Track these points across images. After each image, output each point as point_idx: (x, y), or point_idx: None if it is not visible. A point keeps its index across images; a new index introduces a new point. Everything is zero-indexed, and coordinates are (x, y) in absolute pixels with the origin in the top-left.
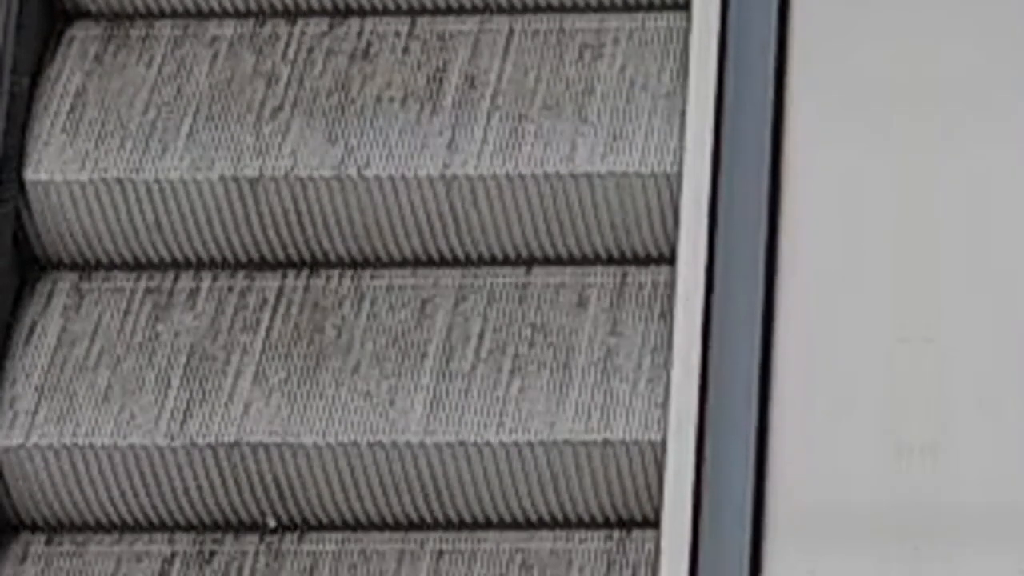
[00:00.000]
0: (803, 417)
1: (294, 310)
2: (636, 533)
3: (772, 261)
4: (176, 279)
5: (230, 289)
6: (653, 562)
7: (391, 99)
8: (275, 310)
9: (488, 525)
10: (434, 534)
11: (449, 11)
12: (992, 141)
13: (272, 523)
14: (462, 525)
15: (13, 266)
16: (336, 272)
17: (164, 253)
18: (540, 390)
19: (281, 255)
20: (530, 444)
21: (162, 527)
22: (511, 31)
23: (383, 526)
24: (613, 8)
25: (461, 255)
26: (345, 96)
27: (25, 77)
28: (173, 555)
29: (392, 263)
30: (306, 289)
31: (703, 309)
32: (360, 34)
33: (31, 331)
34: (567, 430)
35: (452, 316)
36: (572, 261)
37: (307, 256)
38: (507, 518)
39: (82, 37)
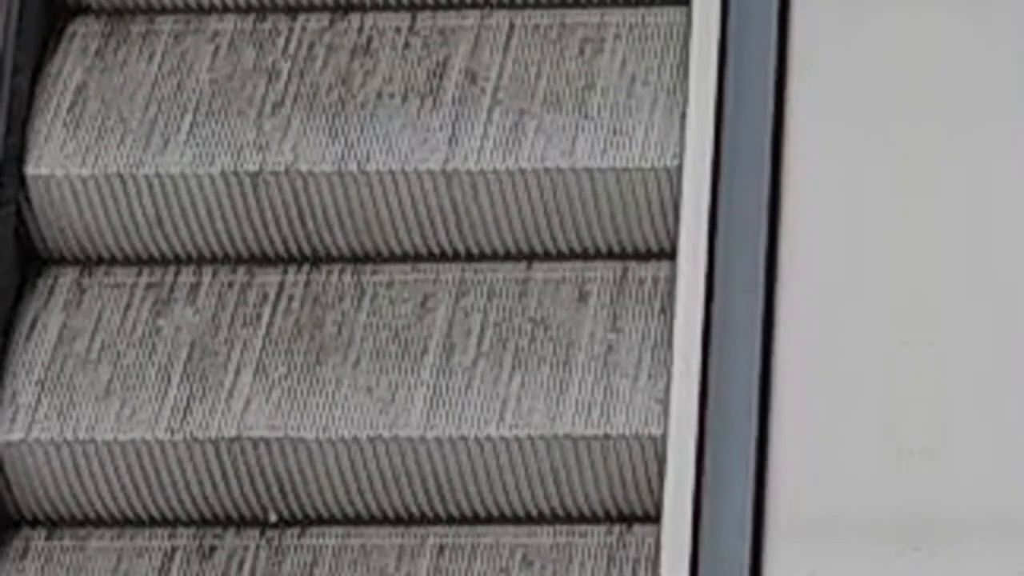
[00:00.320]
0: (803, 418)
1: (295, 305)
2: (637, 528)
3: (773, 256)
4: (177, 274)
5: (231, 284)
6: (654, 557)
7: (392, 94)
8: (276, 305)
9: (489, 520)
10: (435, 529)
11: (450, 6)
12: (992, 147)
13: (273, 518)
14: (463, 520)
15: (14, 261)
16: (337, 267)
17: (165, 248)
18: (541, 385)
19: (282, 250)
20: (531, 439)
21: (163, 522)
22: (512, 26)
23: (384, 521)
24: (614, 3)
25: (462, 250)
26: (346, 91)
27: (25, 78)
28: (174, 550)
29: (393, 258)
30: (307, 284)
31: (703, 304)
32: (361, 29)
33: (32, 326)
34: (568, 425)
35: (453, 311)
36: (573, 256)
37: (308, 251)
38: (508, 513)
39: (83, 33)
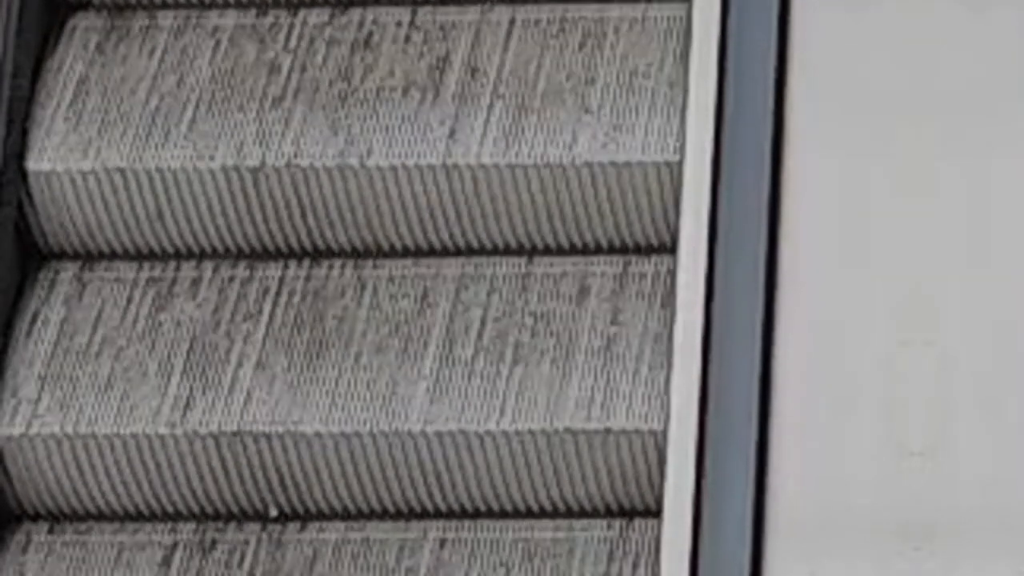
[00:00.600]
0: (804, 418)
1: (296, 299)
2: (638, 522)
3: (773, 251)
4: (178, 268)
5: (232, 278)
6: (654, 551)
7: (393, 89)
8: (277, 299)
9: (490, 514)
10: (436, 523)
11: (450, 1)
12: (992, 147)
13: (274, 512)
14: (464, 514)
15: (15, 256)
16: (338, 261)
17: (166, 242)
18: (541, 379)
19: (283, 244)
20: (531, 433)
21: (164, 516)
22: (512, 21)
23: (385, 515)
24: None
25: (462, 244)
26: (347, 86)
27: (25, 78)
28: (175, 544)
29: (393, 252)
30: (307, 278)
31: (704, 299)
32: (362, 24)
33: (33, 320)
34: (568, 419)
35: (453, 305)
36: (573, 250)
37: (309, 245)
38: (508, 507)
39: (84, 27)
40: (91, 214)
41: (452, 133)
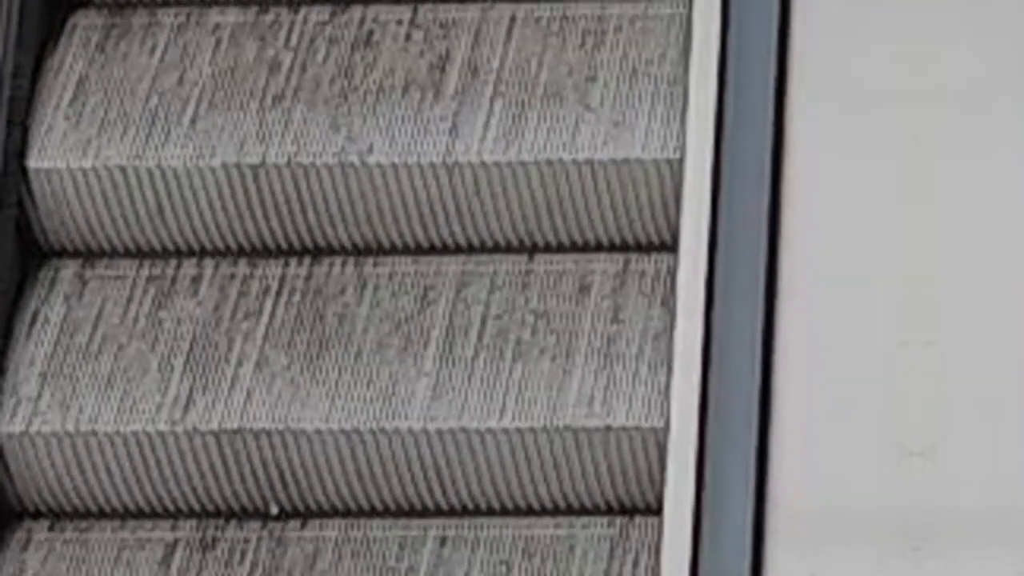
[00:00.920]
0: (804, 418)
1: (296, 297)
2: (638, 519)
3: (774, 250)
4: (178, 266)
5: (232, 276)
6: (655, 549)
7: (393, 87)
8: (277, 297)
9: (490, 511)
10: (436, 520)
11: None
12: (993, 146)
13: (275, 510)
14: (464, 511)
15: (16, 254)
16: (338, 259)
17: (166, 240)
18: (542, 377)
19: (283, 242)
20: (532, 430)
21: (165, 514)
22: (513, 18)
23: (385, 513)
24: None
25: (463, 242)
26: (348, 84)
27: (26, 79)
28: (176, 541)
29: (394, 250)
30: (308, 276)
31: (704, 297)
32: (362, 22)
33: (34, 318)
34: (569, 416)
35: (454, 303)
36: (574, 248)
37: (309, 243)
38: (509, 504)
39: (85, 25)
40: (92, 212)
41: (453, 130)
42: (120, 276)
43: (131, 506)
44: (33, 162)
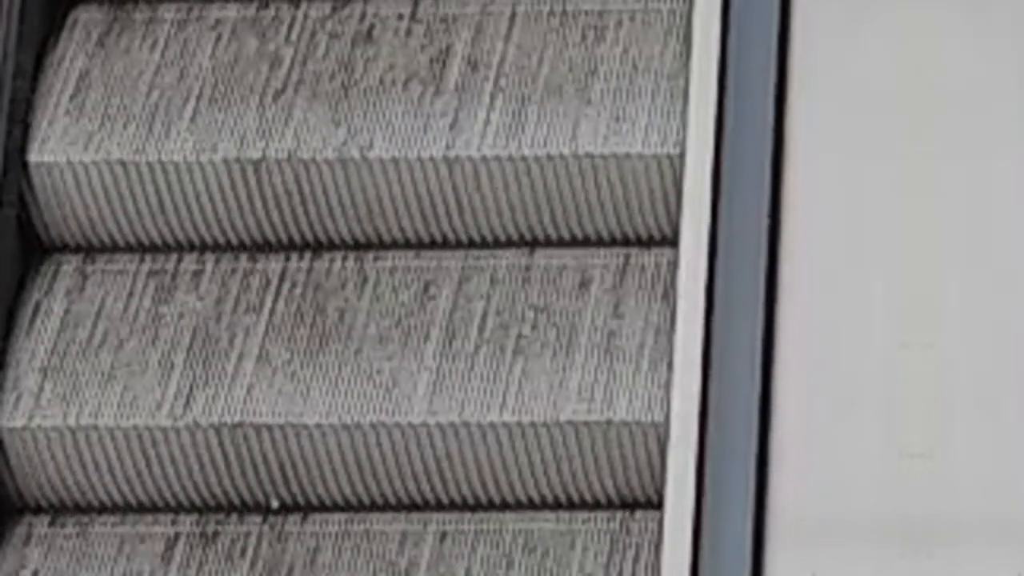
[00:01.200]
0: (804, 419)
1: (297, 292)
2: (639, 514)
3: (774, 249)
4: (179, 261)
5: (233, 271)
6: (656, 543)
7: (394, 81)
8: (278, 292)
9: (491, 506)
10: (437, 515)
11: None
12: (992, 147)
13: (275, 504)
14: (465, 506)
15: (17, 248)
16: (339, 254)
17: (167, 235)
18: (543, 371)
19: (284, 237)
20: (533, 425)
21: (165, 508)
22: (514, 13)
23: (386, 507)
24: None
25: (464, 237)
26: (348, 78)
27: (26, 79)
28: (176, 536)
29: (395, 245)
30: (309, 271)
31: (705, 292)
32: (363, 17)
33: (35, 313)
34: (570, 411)
35: (455, 298)
36: (575, 243)
37: (310, 238)
38: (510, 499)
39: (86, 20)
40: (93, 206)
41: (453, 125)
42: (121, 271)
43: (132, 500)
44: (34, 156)
